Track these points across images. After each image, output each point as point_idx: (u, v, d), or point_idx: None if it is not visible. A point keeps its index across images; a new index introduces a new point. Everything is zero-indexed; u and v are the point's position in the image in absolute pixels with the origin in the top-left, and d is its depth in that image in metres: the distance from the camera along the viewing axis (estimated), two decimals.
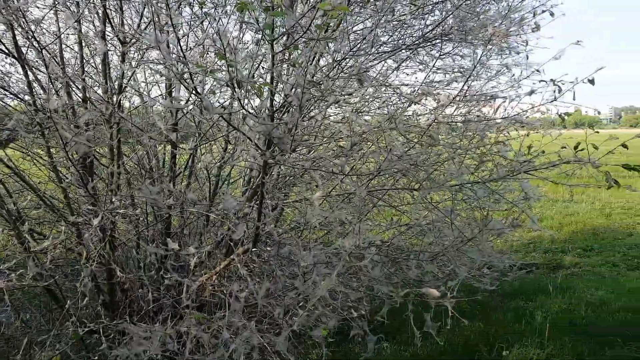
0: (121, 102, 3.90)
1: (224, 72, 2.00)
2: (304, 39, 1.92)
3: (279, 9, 1.83)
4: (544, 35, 2.99)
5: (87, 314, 3.91)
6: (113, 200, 2.77)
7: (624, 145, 1.98)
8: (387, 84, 3.28)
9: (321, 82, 2.06)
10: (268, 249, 3.12)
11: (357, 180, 2.55)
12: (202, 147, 4.61)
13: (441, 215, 2.72)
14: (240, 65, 1.70)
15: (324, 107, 2.19)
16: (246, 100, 1.89)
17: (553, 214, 12.13)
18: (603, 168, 1.92)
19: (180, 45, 1.74)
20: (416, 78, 3.82)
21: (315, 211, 2.33)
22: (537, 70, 2.56)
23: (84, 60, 3.93)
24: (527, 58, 2.83)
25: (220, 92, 1.80)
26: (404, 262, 2.85)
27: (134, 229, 4.50)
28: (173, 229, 4.60)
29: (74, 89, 3.83)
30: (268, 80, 2.08)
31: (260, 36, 1.91)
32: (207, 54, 2.08)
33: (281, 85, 2.03)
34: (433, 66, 3.52)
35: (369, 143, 2.76)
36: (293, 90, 1.88)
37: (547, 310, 5.77)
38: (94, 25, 3.99)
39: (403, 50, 3.72)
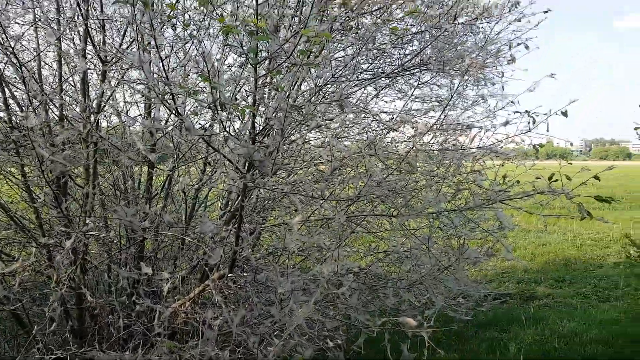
0: (99, 121, 3.86)
1: (205, 94, 1.99)
2: (287, 64, 1.94)
3: (263, 34, 1.85)
4: (519, 68, 3.10)
5: (55, 341, 3.75)
6: (87, 221, 2.69)
7: (596, 177, 2.03)
8: (366, 111, 3.32)
9: (303, 107, 2.07)
10: (244, 274, 3.07)
11: (336, 206, 2.55)
12: (180, 168, 4.57)
13: (418, 242, 2.73)
14: (223, 88, 1.70)
15: (305, 131, 2.20)
16: (228, 123, 1.89)
17: (526, 244, 12.32)
18: (576, 199, 1.97)
19: (163, 65, 1.74)
20: (395, 106, 3.90)
21: (294, 236, 2.31)
22: (512, 102, 2.64)
23: (63, 78, 3.88)
24: (503, 89, 2.92)
25: (201, 113, 1.79)
26: (381, 290, 2.83)
27: (106, 252, 4.39)
28: (146, 252, 4.51)
29: (51, 107, 3.77)
30: (250, 102, 2.09)
31: (243, 59, 1.92)
32: (189, 76, 2.08)
33: (263, 109, 2.03)
34: (411, 95, 3.59)
35: (348, 168, 2.78)
36: (275, 114, 1.88)
37: (520, 341, 5.79)
38: (74, 44, 3.96)
39: (382, 78, 3.80)
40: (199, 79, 1.81)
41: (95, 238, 3.25)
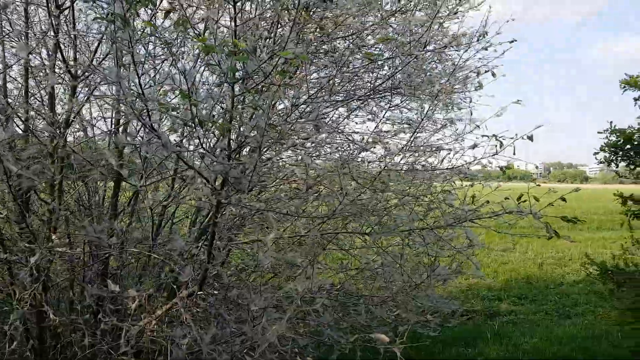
0: (66, 136, 3.78)
1: (180, 112, 2.00)
2: (265, 84, 1.97)
3: (242, 54, 1.88)
4: (486, 94, 3.23)
5: None
6: (53, 238, 2.63)
7: (563, 199, 2.13)
8: (339, 131, 3.38)
9: (279, 126, 2.11)
10: (215, 292, 3.04)
11: (310, 223, 2.58)
12: (147, 185, 4.51)
13: (390, 259, 2.78)
14: (202, 105, 1.71)
15: (281, 149, 2.23)
16: (204, 140, 1.90)
17: (489, 262, 12.60)
18: (544, 219, 2.06)
19: (140, 82, 1.74)
20: (367, 127, 3.98)
21: (267, 252, 2.32)
22: (479, 126, 2.75)
23: (29, 93, 3.79)
24: (471, 114, 3.03)
25: (178, 131, 1.79)
26: (352, 307, 2.86)
27: (69, 269, 4.27)
28: (111, 269, 4.40)
29: (17, 121, 3.68)
30: (227, 120, 2.10)
31: (221, 79, 1.95)
32: (167, 93, 2.08)
33: (239, 126, 2.06)
34: (383, 117, 3.68)
35: (322, 187, 2.81)
36: (252, 132, 1.91)
37: (486, 357, 5.90)
38: (41, 57, 3.89)
39: (355, 100, 3.88)
40: (176, 95, 1.82)
41: (59, 255, 3.16)
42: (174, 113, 1.79)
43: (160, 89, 2.23)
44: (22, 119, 3.78)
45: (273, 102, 2.04)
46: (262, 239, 2.38)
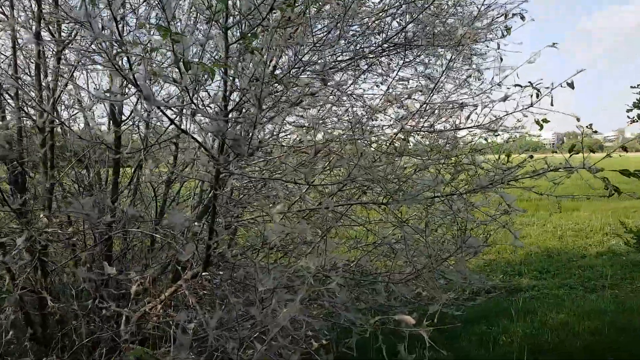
0: (57, 110, 3.51)
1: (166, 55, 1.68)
2: (262, 26, 1.66)
3: None
4: (513, 41, 2.88)
5: (15, 349, 3.43)
6: (41, 217, 2.37)
7: (624, 148, 1.81)
8: (349, 93, 3.06)
9: (282, 76, 1.80)
10: (220, 272, 2.78)
11: (320, 194, 2.28)
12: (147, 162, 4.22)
13: (411, 232, 2.48)
14: (186, 42, 1.41)
15: (285, 107, 1.93)
16: (194, 95, 1.60)
17: (508, 235, 12.22)
18: (600, 174, 1.74)
19: (116, 21, 1.44)
20: (378, 89, 3.64)
21: (275, 227, 2.04)
22: (516, 74, 2.40)
23: (18, 67, 3.51)
24: (501, 60, 2.68)
25: (159, 76, 1.50)
26: (369, 285, 2.58)
27: (70, 252, 4.05)
28: (115, 252, 4.17)
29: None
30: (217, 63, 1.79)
31: (211, 17, 1.64)
32: (144, 26, 1.77)
33: (233, 78, 1.76)
34: (396, 75, 3.33)
35: (332, 153, 2.51)
36: (250, 83, 1.61)
37: (511, 335, 5.63)
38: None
39: (363, 60, 3.54)
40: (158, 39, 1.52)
41: (54, 236, 2.91)
42: (159, 56, 1.50)
43: (142, 23, 1.89)
44: (11, 94, 3.53)
45: (273, 49, 1.73)
46: (268, 211, 2.09)
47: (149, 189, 4.61)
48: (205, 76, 1.51)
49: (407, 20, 2.97)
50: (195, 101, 1.57)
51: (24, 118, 3.35)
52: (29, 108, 3.38)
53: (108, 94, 1.78)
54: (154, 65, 1.64)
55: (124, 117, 3.91)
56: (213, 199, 2.15)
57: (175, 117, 1.90)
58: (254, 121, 1.64)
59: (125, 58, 1.55)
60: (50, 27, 3.21)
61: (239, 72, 1.68)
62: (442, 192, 2.14)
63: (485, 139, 2.43)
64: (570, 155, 1.86)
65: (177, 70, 1.58)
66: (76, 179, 4.24)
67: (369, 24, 3.01)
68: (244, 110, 1.99)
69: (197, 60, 1.58)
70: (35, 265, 3.13)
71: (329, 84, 2.01)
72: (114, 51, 1.45)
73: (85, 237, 4.22)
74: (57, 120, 3.56)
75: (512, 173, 2.05)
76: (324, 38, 2.12)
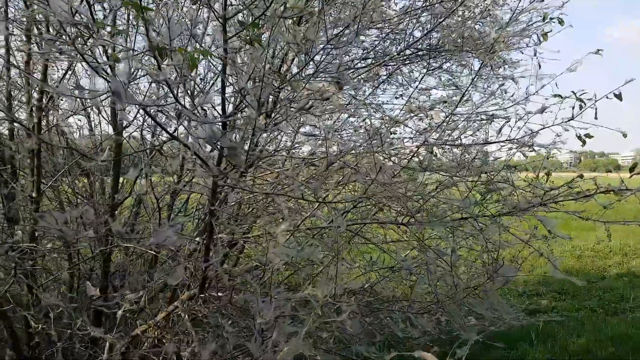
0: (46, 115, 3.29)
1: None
2: (266, 16, 1.41)
3: None
4: (548, 49, 2.60)
5: None
6: (16, 230, 2.13)
7: None
8: (366, 102, 2.80)
9: (286, 74, 1.54)
10: (219, 294, 2.52)
11: (332, 211, 2.01)
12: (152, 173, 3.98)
13: (434, 256, 2.19)
14: (173, 32, 1.16)
15: (292, 112, 1.67)
16: (178, 91, 1.35)
17: (525, 254, 11.82)
18: None
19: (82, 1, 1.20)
20: (399, 98, 3.36)
21: (279, 249, 1.78)
22: (554, 83, 2.12)
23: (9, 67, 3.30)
24: (540, 67, 2.39)
25: (121, 62, 1.24)
26: (385, 313, 2.29)
27: (66, 268, 3.83)
28: (115, 268, 3.93)
29: None
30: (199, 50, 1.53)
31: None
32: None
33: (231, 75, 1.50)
34: (418, 84, 3.06)
35: (346, 168, 2.23)
36: (250, 81, 1.35)
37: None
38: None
39: (383, 68, 3.28)
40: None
41: (30, 250, 2.66)
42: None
43: None
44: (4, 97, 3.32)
45: (278, 44, 1.47)
46: (272, 231, 1.82)
47: (151, 199, 4.38)
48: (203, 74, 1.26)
49: (433, 23, 2.70)
50: (178, 99, 1.32)
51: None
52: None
53: (83, 91, 1.53)
54: (122, 52, 1.39)
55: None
56: (209, 215, 1.88)
57: (178, 124, 1.64)
58: (253, 126, 1.38)
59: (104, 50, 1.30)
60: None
61: (238, 68, 1.42)
62: (472, 214, 1.86)
63: (525, 155, 2.14)
64: (631, 176, 1.58)
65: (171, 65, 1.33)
66: (72, 189, 4.02)
67: (391, 27, 2.75)
68: (243, 114, 1.74)
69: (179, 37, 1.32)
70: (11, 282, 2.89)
71: (344, 87, 1.76)
72: (75, 34, 1.21)
73: (78, 252, 4.00)
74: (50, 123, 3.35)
75: (558, 194, 1.76)
76: (340, 34, 1.85)
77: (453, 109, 2.39)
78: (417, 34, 3.00)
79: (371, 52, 3.19)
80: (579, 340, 6.23)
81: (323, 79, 1.92)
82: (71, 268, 3.88)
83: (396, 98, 3.70)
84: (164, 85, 1.26)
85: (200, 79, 2.43)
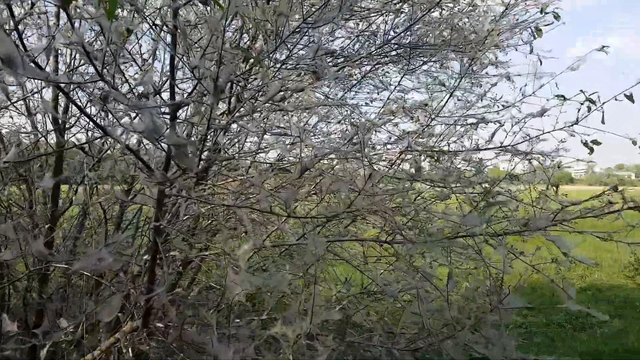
0: None
1: None
2: None
3: None
4: (540, 48, 2.35)
5: None
6: None
7: None
8: (342, 102, 2.49)
9: (251, 50, 1.20)
10: (167, 327, 2.12)
11: (305, 225, 1.67)
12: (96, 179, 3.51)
13: (422, 279, 1.87)
14: None
15: (259, 103, 1.34)
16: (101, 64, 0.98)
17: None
18: None
19: None
20: (372, 102, 3.07)
21: (240, 275, 1.42)
22: (554, 83, 1.86)
23: None
24: (541, 63, 2.13)
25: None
26: (366, 349, 1.95)
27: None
28: (51, 290, 3.45)
29: None
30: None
31: None
32: None
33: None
34: (397, 85, 2.78)
35: (323, 175, 1.90)
36: (204, 56, 1.01)
37: None
38: None
39: (356, 70, 2.99)
40: None
41: None
42: None
43: None
44: None
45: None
46: (230, 252, 1.47)
47: (97, 210, 3.93)
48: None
49: (414, 18, 2.41)
50: (104, 75, 0.96)
51: None
52: None
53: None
54: None
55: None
56: (155, 232, 1.51)
57: (99, 110, 1.25)
58: (208, 117, 1.04)
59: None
60: None
61: (192, 42, 1.08)
62: (473, 232, 1.56)
63: (530, 161, 1.87)
64: None
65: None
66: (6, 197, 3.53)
67: (369, 22, 2.45)
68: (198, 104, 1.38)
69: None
70: None
71: (323, 78, 1.44)
72: None
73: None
74: None
75: (565, 212, 1.49)
76: (321, 8, 1.52)
77: (439, 109, 2.10)
78: (395, 32, 2.73)
79: (344, 51, 2.89)
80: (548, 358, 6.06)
81: (297, 66, 1.60)
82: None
83: (371, 101, 3.42)
84: (87, 57, 0.91)
85: (141, 54, 2.05)
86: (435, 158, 1.69)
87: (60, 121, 2.93)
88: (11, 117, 3.43)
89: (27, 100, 3.39)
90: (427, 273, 1.74)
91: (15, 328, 1.86)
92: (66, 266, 2.59)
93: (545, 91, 1.95)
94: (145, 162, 1.23)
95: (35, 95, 3.38)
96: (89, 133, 3.37)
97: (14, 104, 3.16)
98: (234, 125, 1.88)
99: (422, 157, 1.95)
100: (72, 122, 3.14)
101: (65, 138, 3.20)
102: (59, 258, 2.22)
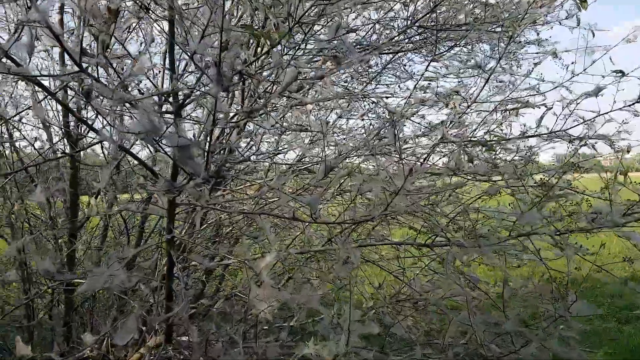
0: None
1: None
2: None
3: None
4: (588, 22, 2.10)
5: None
6: None
7: None
8: (366, 94, 2.29)
9: (258, 31, 1.02)
10: (191, 342, 1.97)
11: (333, 229, 1.49)
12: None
13: (464, 284, 1.67)
14: None
15: (273, 97, 1.17)
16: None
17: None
18: None
19: None
20: (399, 89, 2.87)
21: (264, 290, 1.26)
22: (609, 57, 1.63)
23: None
24: (594, 35, 1.89)
25: None
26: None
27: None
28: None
29: None
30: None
31: None
32: None
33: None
34: (426, 70, 2.56)
35: (350, 175, 1.70)
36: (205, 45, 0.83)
37: None
38: None
39: (378, 58, 2.79)
40: None
41: None
42: None
43: None
44: None
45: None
46: (252, 264, 1.30)
47: (117, 219, 3.83)
48: None
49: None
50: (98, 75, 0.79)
51: None
52: None
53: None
54: None
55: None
56: (168, 244, 1.35)
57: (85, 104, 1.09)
58: (214, 113, 0.87)
59: None
60: None
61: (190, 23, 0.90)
62: (532, 230, 1.35)
63: (594, 148, 1.64)
64: None
65: None
66: (26, 210, 3.46)
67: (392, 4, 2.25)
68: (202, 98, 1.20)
69: None
70: None
71: (344, 63, 1.26)
72: None
73: (30, 283, 3.43)
74: None
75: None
76: None
77: (476, 95, 1.89)
78: (417, 17, 2.52)
79: (364, 40, 2.70)
80: (597, 354, 5.74)
81: (314, 50, 1.41)
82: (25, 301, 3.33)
83: (391, 94, 3.21)
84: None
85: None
86: (488, 147, 1.48)
87: (72, 132, 2.82)
88: (22, 129, 3.34)
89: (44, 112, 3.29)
90: (474, 277, 1.53)
91: (28, 351, 1.74)
92: (82, 281, 2.46)
93: (598, 68, 1.72)
94: (150, 167, 1.07)
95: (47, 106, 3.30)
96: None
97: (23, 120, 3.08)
98: (249, 125, 1.72)
99: (470, 148, 1.73)
100: (85, 132, 3.02)
101: (79, 146, 3.10)
102: (67, 277, 2.09)
